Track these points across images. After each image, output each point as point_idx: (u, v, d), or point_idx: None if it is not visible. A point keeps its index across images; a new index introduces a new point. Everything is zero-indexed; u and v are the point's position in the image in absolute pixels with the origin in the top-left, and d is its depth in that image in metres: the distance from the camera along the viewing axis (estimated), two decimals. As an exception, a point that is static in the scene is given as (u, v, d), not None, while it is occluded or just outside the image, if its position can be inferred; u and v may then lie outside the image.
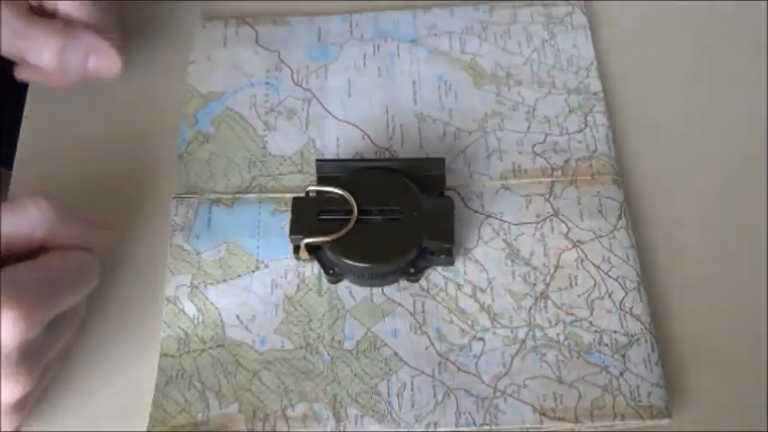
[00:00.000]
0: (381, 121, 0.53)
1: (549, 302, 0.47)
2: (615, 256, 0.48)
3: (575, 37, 0.56)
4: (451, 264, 0.48)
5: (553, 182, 0.50)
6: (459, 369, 0.45)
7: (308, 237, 0.47)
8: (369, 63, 0.55)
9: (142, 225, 0.50)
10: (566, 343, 0.46)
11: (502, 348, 0.46)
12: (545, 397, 0.44)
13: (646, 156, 0.52)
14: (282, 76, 0.55)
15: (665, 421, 0.44)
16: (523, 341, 0.46)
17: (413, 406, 0.44)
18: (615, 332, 0.46)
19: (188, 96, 0.54)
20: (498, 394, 0.44)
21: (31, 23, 0.48)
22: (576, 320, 0.46)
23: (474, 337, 0.46)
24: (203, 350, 0.46)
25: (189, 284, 0.48)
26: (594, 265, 0.48)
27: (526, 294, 0.47)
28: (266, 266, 0.48)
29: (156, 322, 0.47)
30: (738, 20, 0.57)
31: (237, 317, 0.47)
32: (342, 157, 0.52)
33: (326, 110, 0.54)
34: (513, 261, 0.48)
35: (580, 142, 0.52)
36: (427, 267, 0.48)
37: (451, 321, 0.47)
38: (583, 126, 0.52)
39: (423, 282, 0.48)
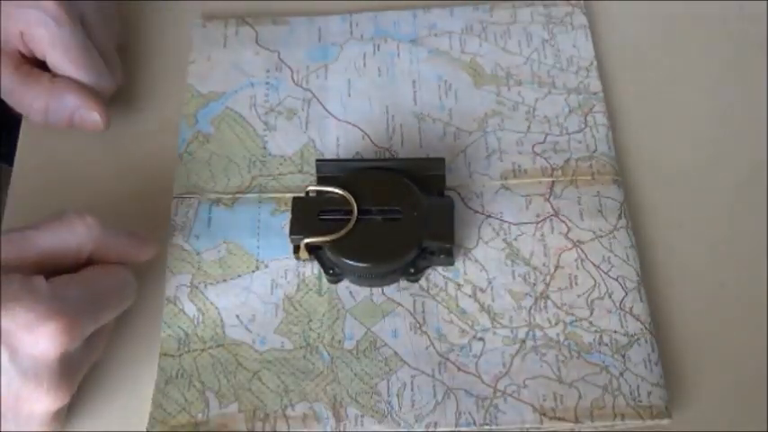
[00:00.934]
0: (381, 121, 0.53)
1: (549, 302, 0.47)
2: (615, 256, 0.48)
3: (575, 37, 0.56)
4: (451, 264, 0.48)
5: (553, 182, 0.50)
6: (459, 369, 0.45)
7: (308, 237, 0.47)
8: (369, 63, 0.55)
9: (142, 225, 0.50)
10: (566, 343, 0.46)
11: (502, 348, 0.46)
12: (545, 397, 0.44)
13: (646, 156, 0.52)
14: (282, 76, 0.55)
15: (665, 421, 0.44)
16: (523, 341, 0.46)
17: (413, 406, 0.44)
18: (615, 332, 0.46)
19: (188, 96, 0.54)
20: (498, 394, 0.44)
21: (19, 80, 0.49)
22: (576, 320, 0.46)
23: (474, 337, 0.46)
24: (203, 350, 0.46)
25: (189, 284, 0.48)
26: (594, 265, 0.48)
27: (526, 294, 0.47)
28: (266, 266, 0.48)
29: (156, 322, 0.47)
30: (738, 19, 0.57)
31: (237, 317, 0.47)
32: (342, 157, 0.52)
33: (326, 110, 0.54)
34: (513, 261, 0.48)
35: (580, 142, 0.52)
36: (427, 267, 0.48)
37: (451, 321, 0.47)
38: (583, 126, 0.52)
39: (423, 282, 0.48)
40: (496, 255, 0.48)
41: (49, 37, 0.48)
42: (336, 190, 0.47)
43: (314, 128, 0.53)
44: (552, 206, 0.50)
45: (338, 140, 0.52)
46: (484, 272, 0.48)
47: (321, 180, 0.49)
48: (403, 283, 0.48)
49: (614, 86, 0.54)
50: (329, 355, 0.46)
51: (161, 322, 0.47)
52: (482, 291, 0.47)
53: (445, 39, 0.56)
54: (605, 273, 0.47)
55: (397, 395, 0.45)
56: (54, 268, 0.41)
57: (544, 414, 0.44)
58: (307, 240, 0.47)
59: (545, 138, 0.52)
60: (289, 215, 0.48)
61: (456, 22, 0.56)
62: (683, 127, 0.53)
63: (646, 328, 0.46)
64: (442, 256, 0.47)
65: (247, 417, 0.44)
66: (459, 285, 0.48)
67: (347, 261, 0.46)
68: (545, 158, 0.51)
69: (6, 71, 0.48)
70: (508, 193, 0.50)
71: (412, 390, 0.45)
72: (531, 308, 0.47)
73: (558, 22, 0.56)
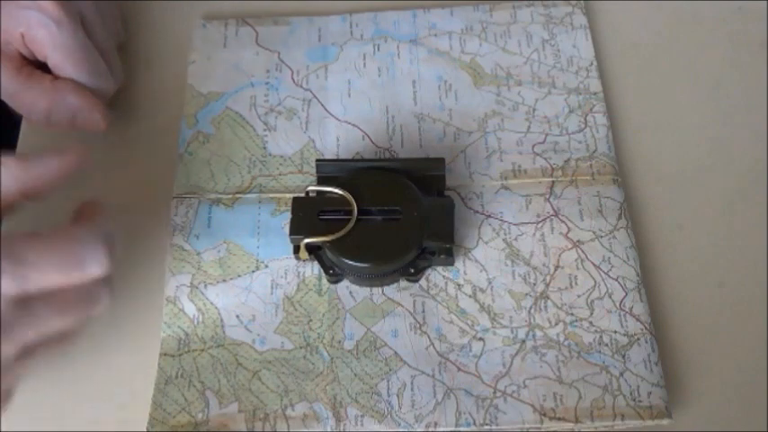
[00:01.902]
0: (381, 121, 0.53)
1: (549, 302, 0.47)
2: (615, 256, 0.48)
3: (575, 37, 0.56)
4: (451, 264, 0.48)
5: (553, 182, 0.50)
6: (459, 369, 0.45)
7: (308, 237, 0.47)
8: (369, 63, 0.55)
9: (142, 225, 0.50)
10: (566, 343, 0.46)
11: (502, 348, 0.46)
12: (545, 397, 0.44)
13: (646, 156, 0.52)
14: (282, 76, 0.55)
15: (665, 421, 0.44)
16: (523, 341, 0.46)
17: (413, 406, 0.44)
18: (615, 332, 0.46)
19: (188, 96, 0.54)
20: (498, 394, 0.44)
21: (20, 82, 0.48)
22: (576, 320, 0.46)
23: (474, 337, 0.46)
24: (203, 350, 0.46)
25: (189, 284, 0.48)
26: (594, 265, 0.48)
27: (526, 294, 0.47)
28: (266, 266, 0.48)
29: (156, 322, 0.47)
30: (739, 19, 0.57)
31: (237, 317, 0.47)
32: (342, 157, 0.52)
33: (326, 110, 0.54)
34: (513, 261, 0.48)
35: (580, 142, 0.52)
36: (427, 267, 0.48)
37: (451, 321, 0.47)
38: (583, 126, 0.52)
39: (423, 282, 0.48)
40: (496, 255, 0.48)
41: (49, 38, 0.48)
42: (336, 190, 0.47)
43: (314, 128, 0.53)
44: (552, 206, 0.50)
45: (338, 140, 0.52)
46: (484, 272, 0.48)
47: (321, 180, 0.49)
48: (403, 283, 0.48)
49: (614, 86, 0.54)
50: (329, 355, 0.46)
51: (161, 322, 0.47)
52: (482, 291, 0.47)
53: (445, 39, 0.56)
54: (605, 273, 0.47)
55: (397, 395, 0.45)
56: None
57: (544, 414, 0.44)
58: (307, 240, 0.47)
59: (545, 138, 0.52)
60: (289, 215, 0.48)
61: (456, 22, 0.56)
62: (683, 127, 0.53)
63: (646, 328, 0.46)
64: (442, 257, 0.47)
65: (247, 417, 0.44)
66: (459, 285, 0.48)
67: (347, 261, 0.46)
68: (545, 158, 0.51)
69: (7, 73, 0.48)
70: (508, 193, 0.50)
71: (412, 390, 0.45)
72: (531, 308, 0.47)
73: (558, 22, 0.56)
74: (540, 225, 0.49)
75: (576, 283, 0.47)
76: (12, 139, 0.54)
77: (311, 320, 0.47)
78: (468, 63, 0.55)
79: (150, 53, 0.57)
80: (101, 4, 0.51)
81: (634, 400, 0.44)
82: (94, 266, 0.38)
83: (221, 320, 0.47)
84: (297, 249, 0.47)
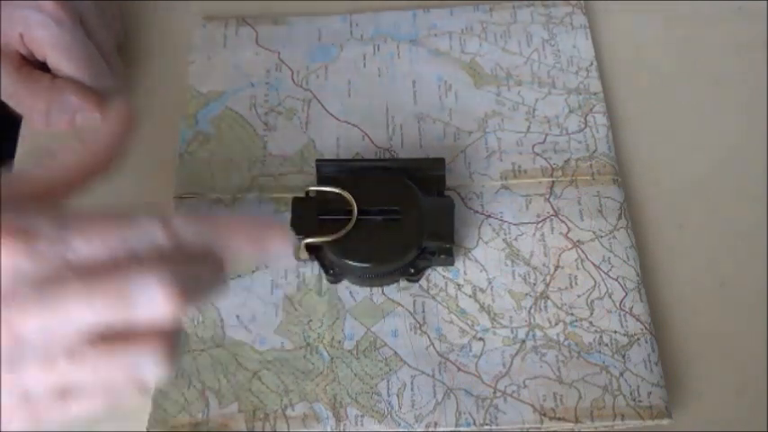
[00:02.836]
0: (381, 122, 0.53)
1: (549, 302, 0.47)
2: (615, 256, 0.48)
3: (575, 37, 0.56)
4: (451, 264, 0.48)
5: (553, 182, 0.50)
6: (459, 369, 0.45)
7: (308, 237, 0.47)
8: (369, 63, 0.55)
9: (142, 225, 0.50)
10: (566, 343, 0.46)
11: (502, 348, 0.46)
12: (545, 397, 0.44)
13: (646, 155, 0.52)
14: (282, 77, 0.55)
15: (665, 421, 0.44)
16: (523, 341, 0.46)
17: (413, 406, 0.44)
18: (615, 332, 0.46)
19: (188, 96, 0.54)
20: (498, 394, 0.44)
21: (20, 82, 0.48)
22: (576, 320, 0.46)
23: (474, 337, 0.46)
24: (203, 350, 0.46)
25: (189, 284, 0.48)
26: (594, 265, 0.48)
27: (526, 294, 0.47)
28: (266, 266, 0.48)
29: (156, 322, 0.47)
30: (739, 20, 0.57)
31: (237, 317, 0.47)
32: (342, 157, 0.52)
33: (326, 110, 0.54)
34: (513, 261, 0.48)
35: (580, 142, 0.52)
36: (427, 267, 0.48)
37: (451, 321, 0.47)
38: (583, 126, 0.52)
39: (423, 282, 0.48)
40: (496, 255, 0.48)
41: (49, 38, 0.48)
42: (336, 190, 0.47)
43: (314, 128, 0.53)
44: (552, 206, 0.50)
45: (338, 140, 0.52)
46: (484, 272, 0.48)
47: (321, 180, 0.49)
48: (403, 283, 0.48)
49: (614, 86, 0.54)
50: (329, 355, 0.46)
51: (161, 322, 0.47)
52: (482, 291, 0.47)
53: (445, 39, 0.56)
54: (605, 273, 0.47)
55: (397, 395, 0.45)
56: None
57: (544, 414, 0.44)
58: (307, 240, 0.47)
59: (545, 138, 0.52)
60: (289, 215, 0.48)
61: (456, 22, 0.56)
62: (683, 127, 0.53)
63: (646, 328, 0.46)
64: (442, 257, 0.47)
65: (247, 417, 0.44)
66: (459, 285, 0.48)
67: (347, 261, 0.46)
68: (545, 158, 0.51)
69: (7, 73, 0.48)
70: (508, 193, 0.50)
71: (412, 390, 0.45)
72: (531, 308, 0.47)
73: (558, 22, 0.56)
74: (540, 225, 0.49)
75: (576, 283, 0.47)
76: (12, 139, 0.54)
77: (311, 320, 0.47)
78: (468, 63, 0.55)
79: (150, 53, 0.57)
80: (101, 4, 0.51)
81: (634, 400, 0.44)
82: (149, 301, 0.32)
83: (221, 320, 0.47)
84: (297, 249, 0.47)
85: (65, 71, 0.49)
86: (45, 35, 0.47)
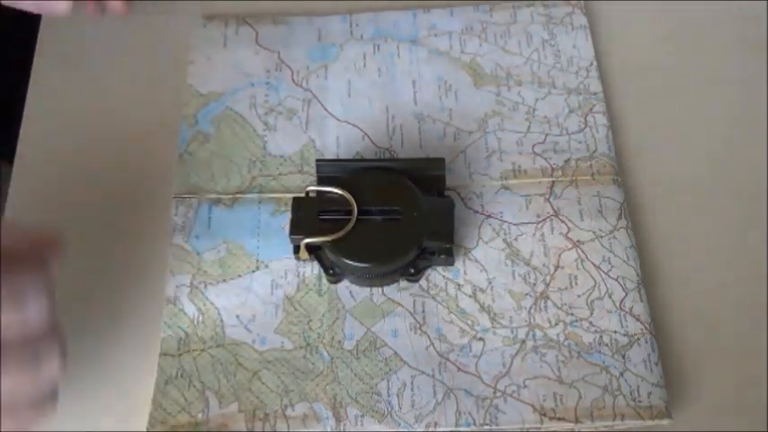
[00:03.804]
0: (381, 121, 0.53)
1: (549, 303, 0.47)
2: (615, 256, 0.48)
3: (575, 37, 0.56)
4: (451, 264, 0.48)
5: (553, 182, 0.50)
6: (459, 369, 0.45)
7: (308, 237, 0.47)
8: (369, 63, 0.55)
9: (142, 225, 0.50)
10: (566, 343, 0.46)
11: (502, 348, 0.46)
12: (545, 397, 0.44)
13: (646, 156, 0.52)
14: (282, 76, 0.55)
15: (665, 421, 0.44)
16: (523, 341, 0.46)
17: (413, 406, 0.44)
18: (615, 332, 0.46)
19: (188, 96, 0.54)
20: (498, 394, 0.44)
21: None
22: (576, 320, 0.46)
23: (474, 337, 0.46)
24: (203, 350, 0.46)
25: (189, 284, 0.48)
26: (594, 265, 0.48)
27: (526, 294, 0.47)
28: (266, 266, 0.48)
29: (156, 322, 0.47)
30: (739, 20, 0.57)
31: (237, 317, 0.47)
32: (342, 157, 0.52)
33: (326, 110, 0.54)
34: (513, 261, 0.48)
35: (580, 142, 0.52)
36: (427, 267, 0.48)
37: (451, 321, 0.47)
38: (583, 126, 0.52)
39: (423, 282, 0.48)
40: (496, 255, 0.48)
41: None
42: (336, 190, 0.47)
43: (314, 128, 0.53)
44: (552, 206, 0.50)
45: (338, 140, 0.52)
46: (484, 272, 0.48)
47: (321, 180, 0.49)
48: (403, 283, 0.48)
49: (614, 86, 0.54)
50: (329, 354, 0.46)
51: (161, 322, 0.47)
52: (482, 291, 0.47)
53: (445, 39, 0.56)
54: (605, 273, 0.47)
55: (397, 395, 0.45)
56: None
57: (544, 414, 0.44)
58: (307, 240, 0.47)
59: (545, 138, 0.52)
60: (289, 215, 0.48)
61: (456, 22, 0.56)
62: (683, 127, 0.53)
63: (646, 328, 0.46)
64: (442, 257, 0.47)
65: (247, 417, 0.44)
66: (459, 285, 0.48)
67: (347, 261, 0.46)
68: (545, 158, 0.51)
69: None
70: (508, 193, 0.50)
71: (412, 390, 0.45)
72: (531, 308, 0.47)
73: (558, 23, 0.56)
74: (540, 225, 0.49)
75: (576, 284, 0.47)
76: (11, 140, 0.54)
77: (311, 320, 0.47)
78: (468, 63, 0.55)
79: (150, 53, 0.57)
80: None
81: (634, 400, 0.44)
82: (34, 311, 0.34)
83: (221, 320, 0.47)
84: (297, 249, 0.47)
85: None
86: None
